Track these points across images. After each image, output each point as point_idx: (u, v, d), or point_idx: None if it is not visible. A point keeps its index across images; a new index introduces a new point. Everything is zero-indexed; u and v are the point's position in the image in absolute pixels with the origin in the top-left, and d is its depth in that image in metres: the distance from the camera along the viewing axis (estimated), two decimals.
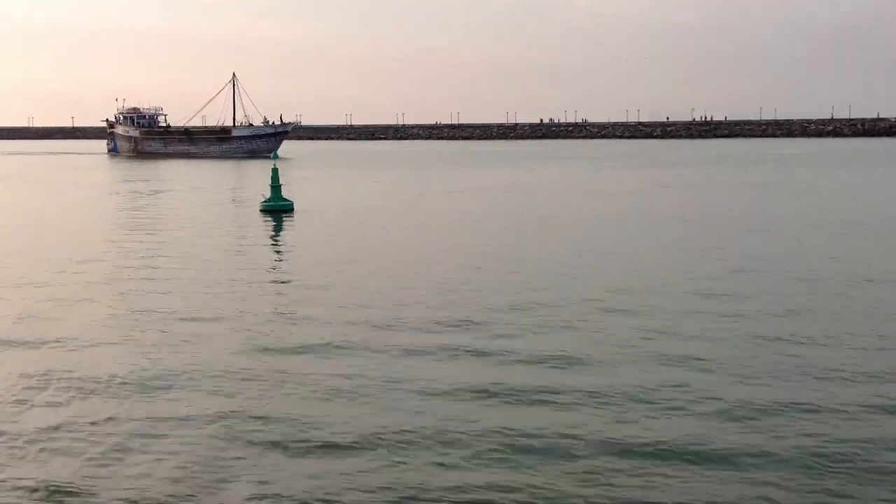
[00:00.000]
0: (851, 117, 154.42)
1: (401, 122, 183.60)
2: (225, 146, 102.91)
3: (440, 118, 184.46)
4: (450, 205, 36.77)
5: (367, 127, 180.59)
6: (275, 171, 34.31)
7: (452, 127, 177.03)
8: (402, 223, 29.86)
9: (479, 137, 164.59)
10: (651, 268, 19.72)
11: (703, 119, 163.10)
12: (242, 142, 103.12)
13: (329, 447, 9.15)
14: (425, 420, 9.88)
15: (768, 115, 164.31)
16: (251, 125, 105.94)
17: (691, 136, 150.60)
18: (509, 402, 10.45)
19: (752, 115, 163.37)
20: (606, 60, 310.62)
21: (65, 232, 28.43)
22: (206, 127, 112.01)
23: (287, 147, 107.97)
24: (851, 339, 13.12)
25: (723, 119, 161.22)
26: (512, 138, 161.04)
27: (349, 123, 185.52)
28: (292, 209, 33.78)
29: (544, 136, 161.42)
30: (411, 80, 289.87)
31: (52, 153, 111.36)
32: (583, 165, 70.06)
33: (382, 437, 9.39)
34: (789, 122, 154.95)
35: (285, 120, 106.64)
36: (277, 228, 29.23)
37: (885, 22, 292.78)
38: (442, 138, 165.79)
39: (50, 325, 14.56)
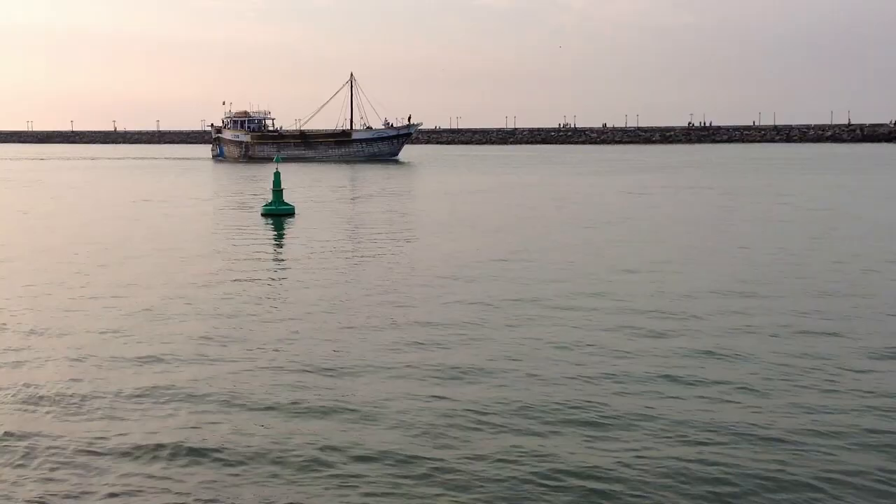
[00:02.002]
0: (850, 122, 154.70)
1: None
2: (344, 150, 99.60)
3: (438, 122, 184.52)
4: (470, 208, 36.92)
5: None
6: (277, 174, 34.47)
7: (452, 131, 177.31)
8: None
9: (479, 142, 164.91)
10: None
11: (702, 124, 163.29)
12: (363, 145, 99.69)
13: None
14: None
15: (767, 121, 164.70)
16: (370, 128, 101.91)
17: (690, 142, 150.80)
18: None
19: (752, 121, 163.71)
20: (603, 65, 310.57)
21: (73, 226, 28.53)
22: (324, 130, 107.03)
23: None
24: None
25: (721, 124, 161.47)
26: (511, 143, 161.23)
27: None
28: (293, 213, 33.91)
29: (543, 141, 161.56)
30: (409, 84, 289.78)
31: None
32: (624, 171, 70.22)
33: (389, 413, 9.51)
34: (788, 128, 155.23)
35: (399, 121, 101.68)
36: (278, 232, 29.34)
37: (884, 27, 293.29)
38: (441, 142, 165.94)
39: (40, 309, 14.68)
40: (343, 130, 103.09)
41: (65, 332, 14.39)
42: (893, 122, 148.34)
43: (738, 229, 28.54)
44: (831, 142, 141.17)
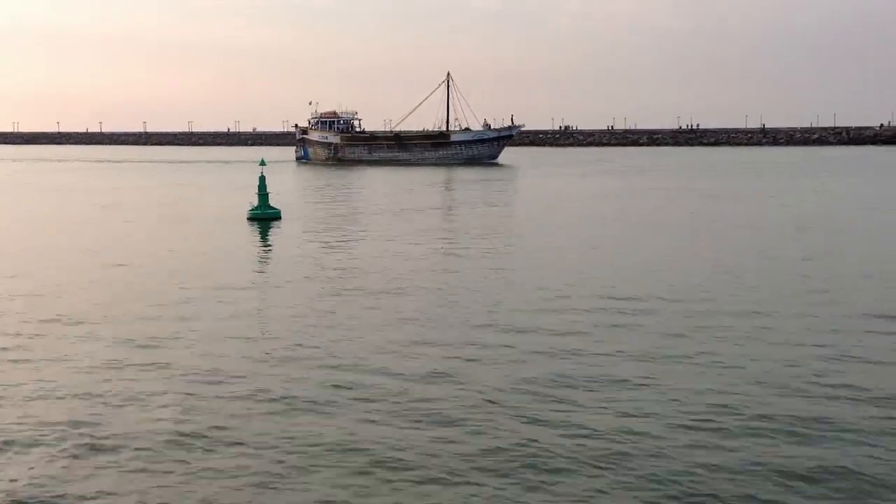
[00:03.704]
0: (836, 125, 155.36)
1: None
2: (441, 152, 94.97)
3: (428, 124, 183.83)
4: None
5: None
6: (262, 179, 34.20)
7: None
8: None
9: None
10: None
11: (690, 127, 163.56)
12: (462, 147, 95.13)
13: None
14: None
15: (754, 124, 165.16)
16: (467, 129, 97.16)
17: (678, 144, 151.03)
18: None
19: (739, 124, 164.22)
20: (592, 68, 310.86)
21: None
22: (420, 131, 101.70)
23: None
24: None
25: (709, 127, 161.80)
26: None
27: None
28: (279, 217, 33.68)
29: (532, 144, 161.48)
30: (400, 85, 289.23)
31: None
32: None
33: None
34: (775, 131, 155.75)
35: (500, 123, 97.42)
36: (263, 236, 29.13)
37: (869, 31, 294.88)
38: None
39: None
40: (440, 132, 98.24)
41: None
42: (881, 125, 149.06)
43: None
44: (818, 145, 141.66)
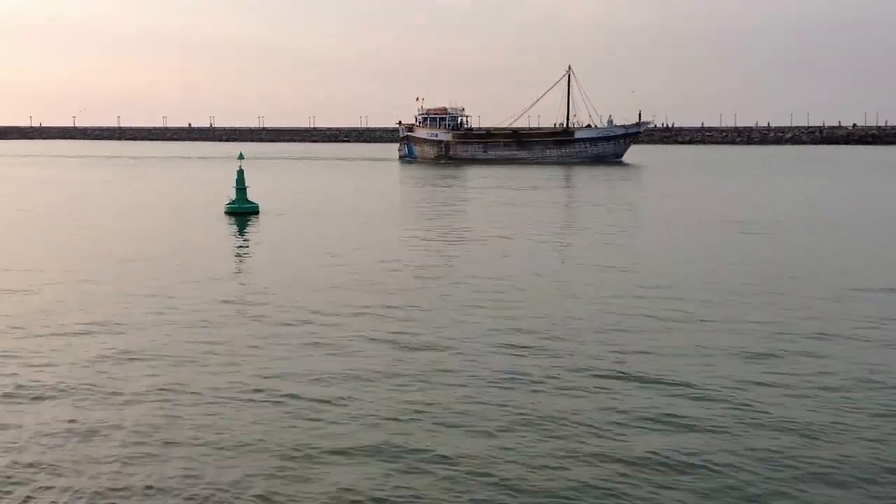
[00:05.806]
0: (810, 125, 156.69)
1: (364, 125, 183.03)
2: (565, 150, 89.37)
3: (401, 119, 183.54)
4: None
5: (329, 129, 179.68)
6: (240, 173, 34.01)
7: None
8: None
9: None
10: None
11: (665, 126, 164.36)
12: (587, 145, 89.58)
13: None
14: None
15: (728, 122, 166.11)
16: (589, 126, 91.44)
17: (653, 142, 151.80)
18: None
19: (713, 122, 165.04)
20: (565, 63, 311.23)
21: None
22: (540, 128, 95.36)
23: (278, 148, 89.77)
24: None
25: (683, 126, 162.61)
26: None
27: (312, 126, 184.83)
28: (258, 211, 33.55)
29: None
30: (369, 82, 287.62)
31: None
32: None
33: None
34: (749, 129, 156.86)
35: (627, 119, 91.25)
36: (240, 230, 28.98)
37: (844, 30, 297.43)
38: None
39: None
40: (563, 129, 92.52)
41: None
42: (853, 125, 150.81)
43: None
44: (791, 143, 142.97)
